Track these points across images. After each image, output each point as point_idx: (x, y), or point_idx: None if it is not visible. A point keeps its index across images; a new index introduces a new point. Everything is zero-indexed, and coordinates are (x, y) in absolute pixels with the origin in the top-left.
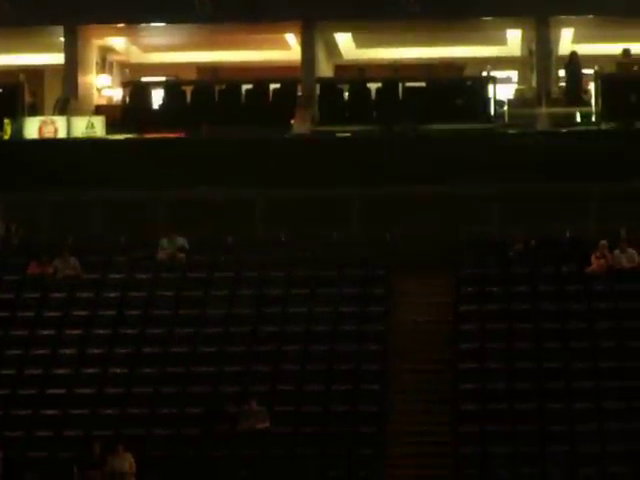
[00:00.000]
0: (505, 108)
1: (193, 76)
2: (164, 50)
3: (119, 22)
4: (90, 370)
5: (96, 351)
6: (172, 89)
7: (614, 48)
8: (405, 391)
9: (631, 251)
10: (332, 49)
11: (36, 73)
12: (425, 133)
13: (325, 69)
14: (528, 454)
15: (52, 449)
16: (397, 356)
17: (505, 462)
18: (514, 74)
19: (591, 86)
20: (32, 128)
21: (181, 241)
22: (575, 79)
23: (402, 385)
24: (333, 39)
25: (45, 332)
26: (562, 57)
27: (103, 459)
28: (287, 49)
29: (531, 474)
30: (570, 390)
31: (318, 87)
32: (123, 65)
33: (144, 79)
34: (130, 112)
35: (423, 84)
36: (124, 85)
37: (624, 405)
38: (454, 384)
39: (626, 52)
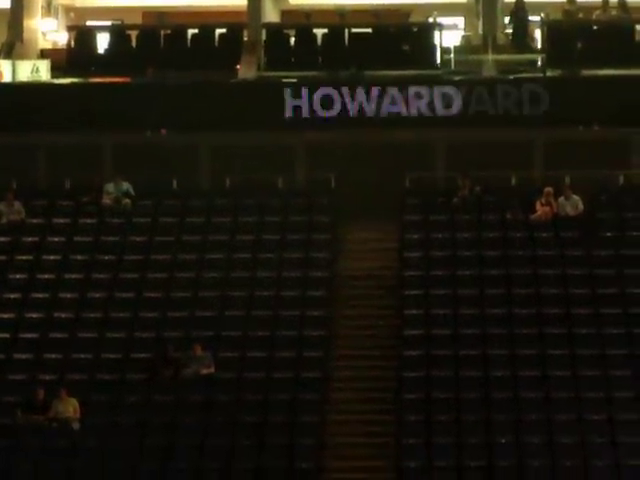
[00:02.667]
0: (451, 55)
1: (138, 21)
2: None
3: None
4: (34, 314)
5: (40, 295)
6: (117, 33)
7: None
8: (349, 337)
9: (575, 198)
10: None
11: None
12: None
13: (271, 14)
14: (471, 399)
15: None
16: (342, 303)
17: (448, 408)
18: (460, 21)
19: (537, 33)
20: None
21: (126, 186)
22: (521, 26)
23: (346, 331)
24: None
25: None
26: (508, 4)
27: (47, 404)
28: None
29: (475, 421)
30: (513, 336)
31: (264, 32)
32: (68, 9)
33: (89, 23)
34: (75, 56)
35: (369, 30)
36: (69, 29)
37: (567, 352)
38: (399, 330)
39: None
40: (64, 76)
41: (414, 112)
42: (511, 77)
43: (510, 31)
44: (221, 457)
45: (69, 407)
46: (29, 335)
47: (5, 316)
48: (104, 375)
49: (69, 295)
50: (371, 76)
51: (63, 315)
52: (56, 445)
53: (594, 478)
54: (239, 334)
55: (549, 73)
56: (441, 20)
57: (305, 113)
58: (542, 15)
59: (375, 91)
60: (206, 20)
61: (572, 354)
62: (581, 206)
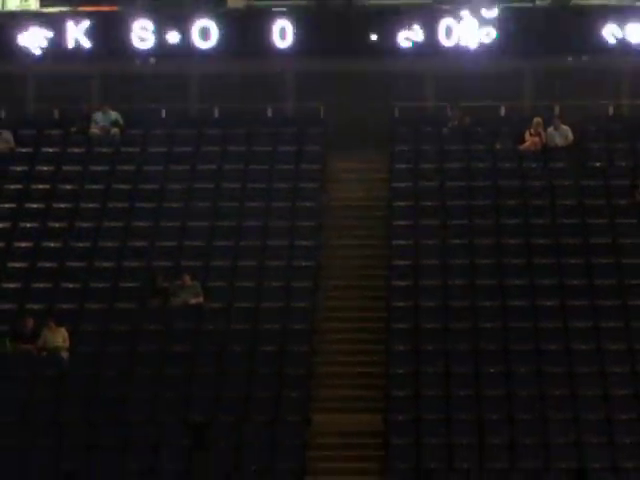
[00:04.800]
0: None
1: None
2: None
3: None
4: (23, 244)
5: (28, 225)
6: None
7: None
8: (338, 267)
9: (565, 128)
10: None
11: None
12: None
13: None
14: (458, 330)
15: None
16: (331, 233)
17: (435, 339)
18: None
19: None
20: None
21: (114, 115)
22: None
23: (335, 261)
24: None
25: None
26: None
27: (36, 333)
28: None
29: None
30: (501, 266)
31: None
32: None
33: None
34: None
35: None
36: None
37: (556, 282)
38: (387, 260)
39: None
40: (53, 5)
41: (404, 42)
42: (500, 6)
43: None
44: (210, 385)
45: (58, 336)
46: (18, 264)
47: None
48: (93, 304)
49: (57, 224)
50: (361, 6)
51: (52, 244)
52: (45, 374)
53: None
54: (228, 264)
55: (539, 2)
56: None
57: (294, 42)
58: None
59: (366, 21)
60: None
61: (561, 284)
62: (570, 136)
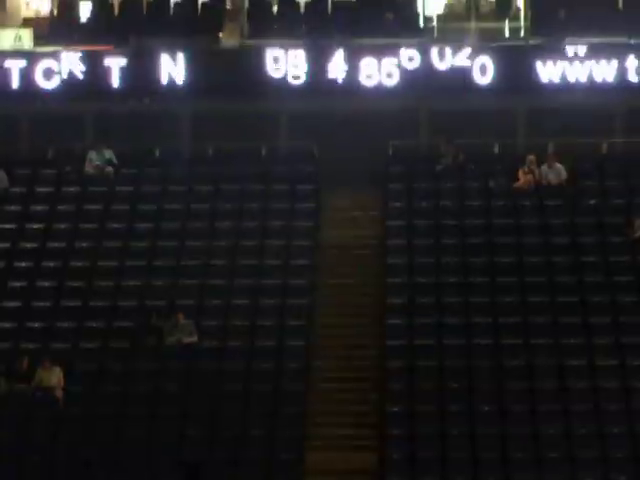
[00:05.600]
0: (435, 23)
1: None
2: None
3: None
4: (17, 283)
5: (24, 264)
6: (100, 2)
7: None
8: (333, 305)
9: (559, 166)
10: None
11: None
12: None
13: None
14: (454, 367)
15: None
16: (325, 271)
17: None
18: None
19: (520, 1)
20: None
21: (108, 154)
22: None
23: (329, 299)
24: None
25: None
26: None
27: (31, 373)
28: None
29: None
30: (496, 304)
31: (247, 0)
32: None
33: None
34: (58, 24)
35: None
36: None
37: (550, 319)
38: (382, 298)
39: None
40: (47, 44)
41: (396, 80)
42: (493, 44)
43: None
44: (204, 425)
45: (53, 376)
46: (12, 304)
47: None
48: (87, 344)
49: (52, 264)
50: (354, 44)
51: (47, 284)
52: (40, 413)
53: None
54: (222, 303)
55: (532, 41)
56: None
57: (286, 81)
58: None
59: (358, 59)
60: None
61: (555, 322)
62: (564, 174)
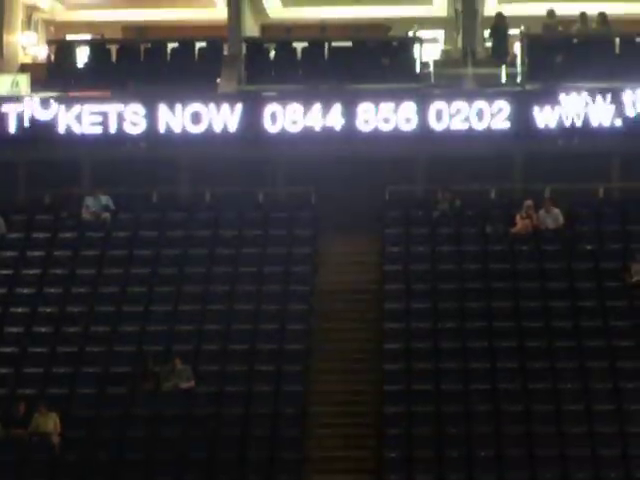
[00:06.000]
0: (431, 68)
1: (118, 35)
2: (89, 8)
3: None
4: (14, 329)
5: (20, 310)
6: (97, 48)
7: (540, 9)
8: (330, 351)
9: (556, 211)
10: (258, 8)
11: None
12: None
13: (251, 28)
14: (451, 412)
15: None
16: (322, 316)
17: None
18: (440, 34)
19: (517, 47)
20: None
21: (105, 200)
22: (501, 39)
23: (327, 345)
24: None
25: None
26: (488, 17)
27: (27, 418)
28: (213, 7)
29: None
30: (493, 349)
31: (244, 46)
32: (48, 23)
33: (69, 37)
34: (55, 70)
35: (349, 44)
36: (49, 43)
37: (548, 364)
38: (379, 344)
39: (551, 13)
40: (44, 90)
41: (394, 127)
42: (490, 90)
43: (490, 45)
44: (202, 471)
45: (49, 421)
46: (9, 349)
47: None
48: (84, 389)
49: (49, 309)
50: (351, 90)
51: (43, 329)
52: (36, 459)
53: None
54: (219, 348)
55: (528, 87)
56: (421, 34)
57: (285, 127)
58: (522, 28)
59: (355, 105)
60: (186, 34)
61: (552, 367)
62: (561, 219)
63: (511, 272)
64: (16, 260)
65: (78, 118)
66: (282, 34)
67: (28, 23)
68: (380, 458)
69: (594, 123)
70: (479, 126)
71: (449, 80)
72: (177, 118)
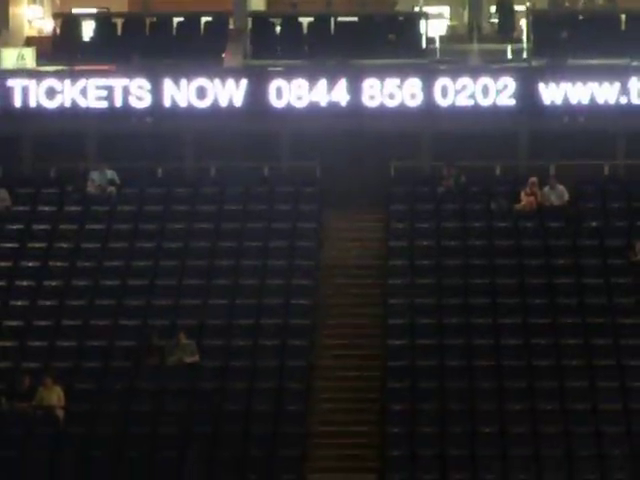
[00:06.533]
0: (437, 44)
1: (124, 8)
2: None
3: None
4: (19, 302)
5: (25, 283)
6: (103, 21)
7: None
8: (334, 326)
9: (561, 188)
10: None
11: None
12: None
13: (257, 2)
14: (455, 389)
15: None
16: (326, 292)
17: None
18: (446, 10)
19: (523, 23)
20: None
21: (110, 174)
22: (507, 15)
23: (331, 320)
24: None
25: None
26: None
27: (32, 391)
28: None
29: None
30: (497, 326)
31: (250, 21)
32: None
33: (75, 11)
34: (61, 44)
35: (355, 19)
36: (55, 17)
37: (552, 341)
38: (383, 319)
39: None
40: (49, 63)
41: (399, 102)
42: (495, 66)
43: (496, 20)
44: (205, 445)
45: (53, 395)
46: (14, 323)
47: None
48: (88, 363)
49: (54, 283)
50: (357, 65)
51: (48, 302)
52: (40, 432)
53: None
54: (224, 322)
55: (534, 62)
56: (427, 9)
57: (291, 102)
58: (528, 4)
59: (361, 80)
60: (192, 8)
61: (557, 343)
62: (566, 196)
63: (515, 249)
64: (21, 233)
65: (83, 92)
66: (288, 9)
67: None
68: (383, 433)
69: (600, 101)
70: (484, 102)
71: (455, 56)
72: (182, 92)
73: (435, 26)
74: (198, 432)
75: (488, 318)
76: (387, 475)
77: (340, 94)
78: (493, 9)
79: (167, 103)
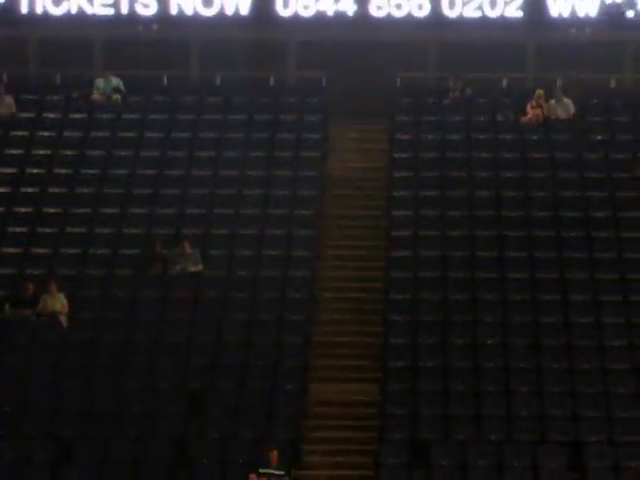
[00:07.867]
0: None
1: None
2: None
3: None
4: (23, 209)
5: (30, 190)
6: None
7: None
8: (338, 236)
9: (566, 101)
10: None
11: None
12: None
13: None
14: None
15: None
16: (330, 202)
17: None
18: None
19: None
20: None
21: (116, 82)
22: None
23: (335, 231)
24: None
25: None
26: None
27: (36, 298)
28: None
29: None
30: (501, 238)
31: None
32: None
33: None
34: None
35: None
36: None
37: (556, 255)
38: (387, 231)
39: None
40: None
41: (406, 13)
42: None
43: None
44: (208, 354)
45: (57, 302)
46: (18, 229)
47: None
48: (92, 270)
49: (58, 190)
50: None
51: (52, 210)
52: (44, 339)
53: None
54: (228, 232)
55: None
56: None
57: (297, 11)
58: None
59: None
60: None
61: (561, 256)
62: (572, 109)
63: (521, 161)
64: (26, 140)
65: None
66: None
67: None
68: (385, 344)
69: (607, 13)
70: (492, 14)
71: None
72: (189, 0)
73: None
74: (201, 340)
75: (493, 231)
76: (388, 385)
77: (347, 3)
78: None
79: (173, 11)
